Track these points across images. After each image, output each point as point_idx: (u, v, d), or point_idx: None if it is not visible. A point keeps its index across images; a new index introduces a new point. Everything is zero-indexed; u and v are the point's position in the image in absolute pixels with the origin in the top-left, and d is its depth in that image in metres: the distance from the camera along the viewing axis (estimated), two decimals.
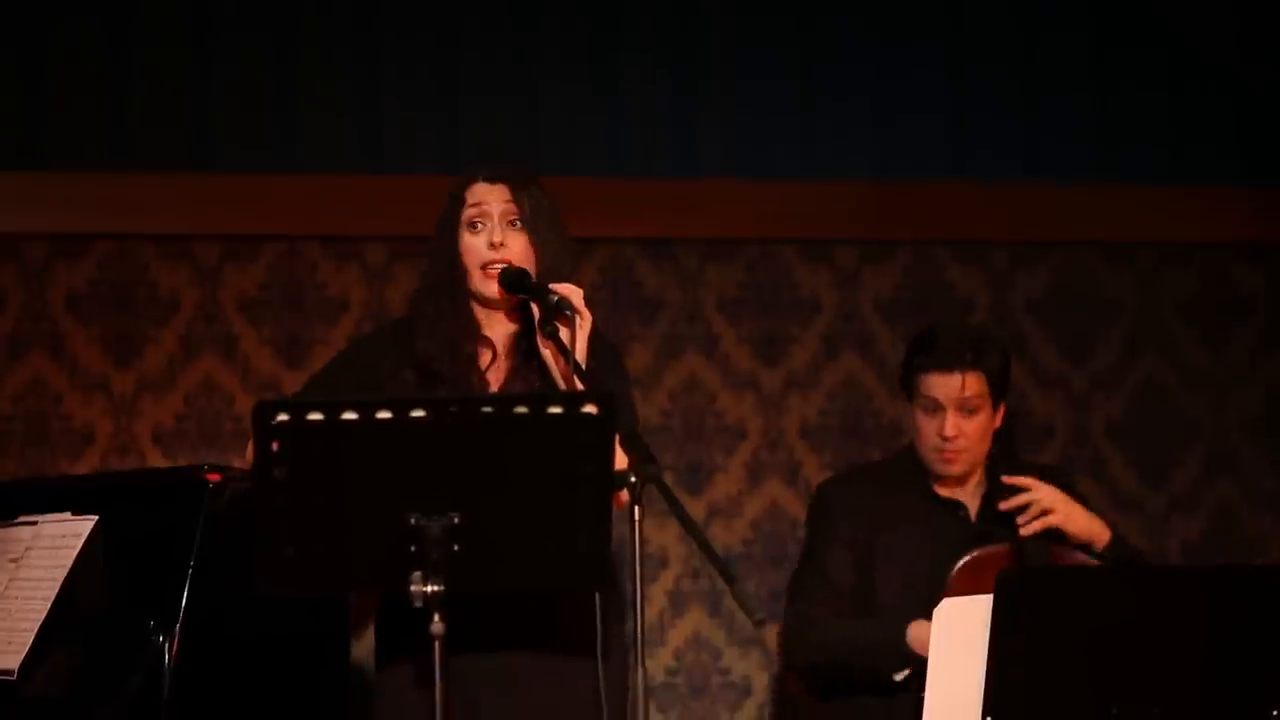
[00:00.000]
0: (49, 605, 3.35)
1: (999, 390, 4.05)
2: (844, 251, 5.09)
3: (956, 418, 3.99)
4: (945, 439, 4.00)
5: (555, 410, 2.92)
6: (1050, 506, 3.97)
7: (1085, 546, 4.00)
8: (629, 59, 4.98)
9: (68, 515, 3.48)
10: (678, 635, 4.95)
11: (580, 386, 3.26)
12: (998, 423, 4.08)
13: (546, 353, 3.38)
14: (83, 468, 4.70)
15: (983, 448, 4.06)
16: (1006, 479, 4.00)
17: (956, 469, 4.05)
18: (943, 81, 5.12)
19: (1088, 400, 5.20)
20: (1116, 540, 4.02)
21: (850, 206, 5.04)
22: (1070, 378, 5.19)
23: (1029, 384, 5.14)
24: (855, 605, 4.05)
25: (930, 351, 4.02)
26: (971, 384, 3.99)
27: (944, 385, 3.99)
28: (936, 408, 4.00)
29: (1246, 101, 5.26)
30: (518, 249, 3.47)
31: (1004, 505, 3.97)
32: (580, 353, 3.32)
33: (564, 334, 3.32)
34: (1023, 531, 3.95)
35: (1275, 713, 3.22)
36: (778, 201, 5.01)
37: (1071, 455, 5.14)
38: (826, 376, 5.06)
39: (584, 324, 3.34)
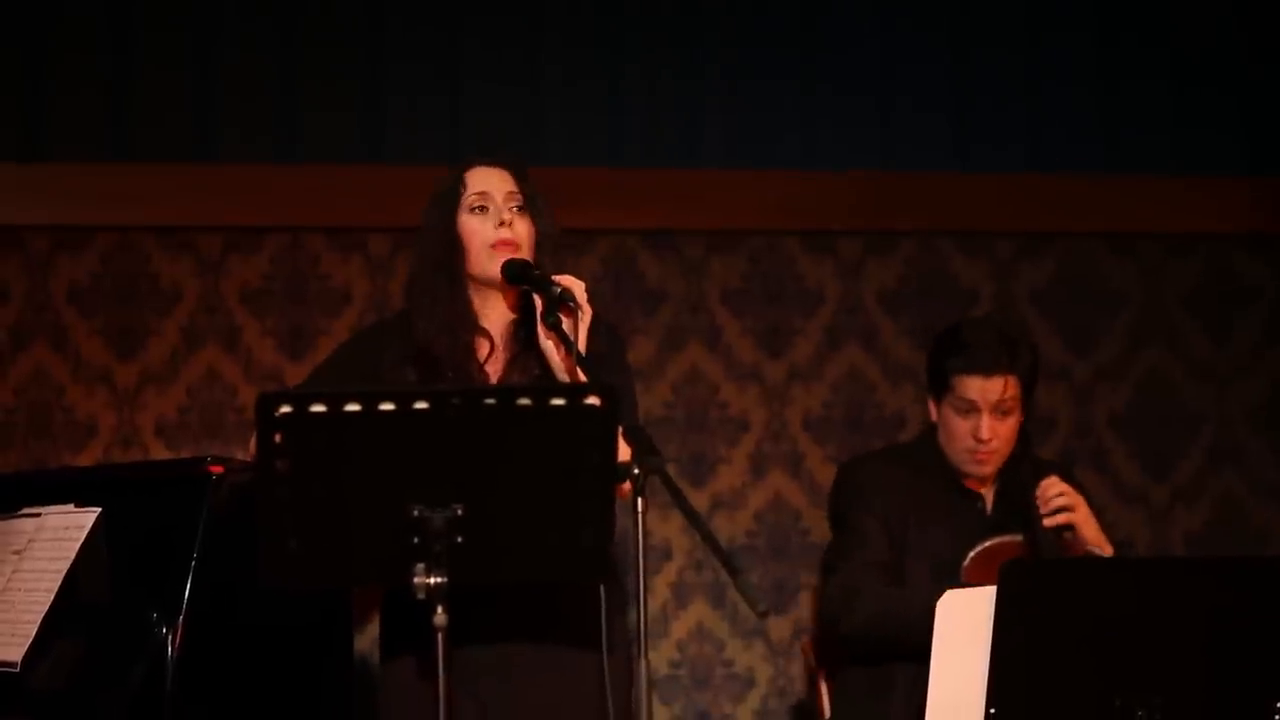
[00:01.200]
0: (52, 597, 3.35)
1: (1030, 390, 4.07)
2: (847, 243, 5.09)
3: (992, 420, 4.00)
4: (981, 441, 4.01)
5: (558, 402, 2.92)
6: (1075, 506, 3.98)
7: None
8: (632, 50, 4.97)
9: (71, 507, 3.48)
10: (681, 627, 4.95)
11: (583, 378, 3.26)
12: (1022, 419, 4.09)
13: (548, 344, 3.37)
14: (86, 460, 4.70)
15: (1009, 449, 4.07)
16: (1055, 484, 4.01)
17: (989, 470, 4.06)
18: (946, 72, 5.11)
19: (1091, 391, 5.20)
20: (1120, 553, 4.05)
21: (853, 198, 5.03)
22: (1074, 369, 5.19)
23: None
24: (890, 581, 4.04)
25: (967, 354, 4.02)
26: (1010, 387, 4.00)
27: (983, 389, 4.00)
28: (972, 410, 4.01)
29: (1250, 92, 5.25)
30: (523, 231, 3.49)
31: (1044, 495, 3.97)
32: (581, 346, 3.31)
33: (567, 325, 3.32)
34: (1046, 523, 3.95)
35: (1279, 704, 3.22)
36: (781, 192, 5.00)
37: (1074, 446, 5.14)
38: (830, 368, 5.06)
39: (584, 318, 3.34)
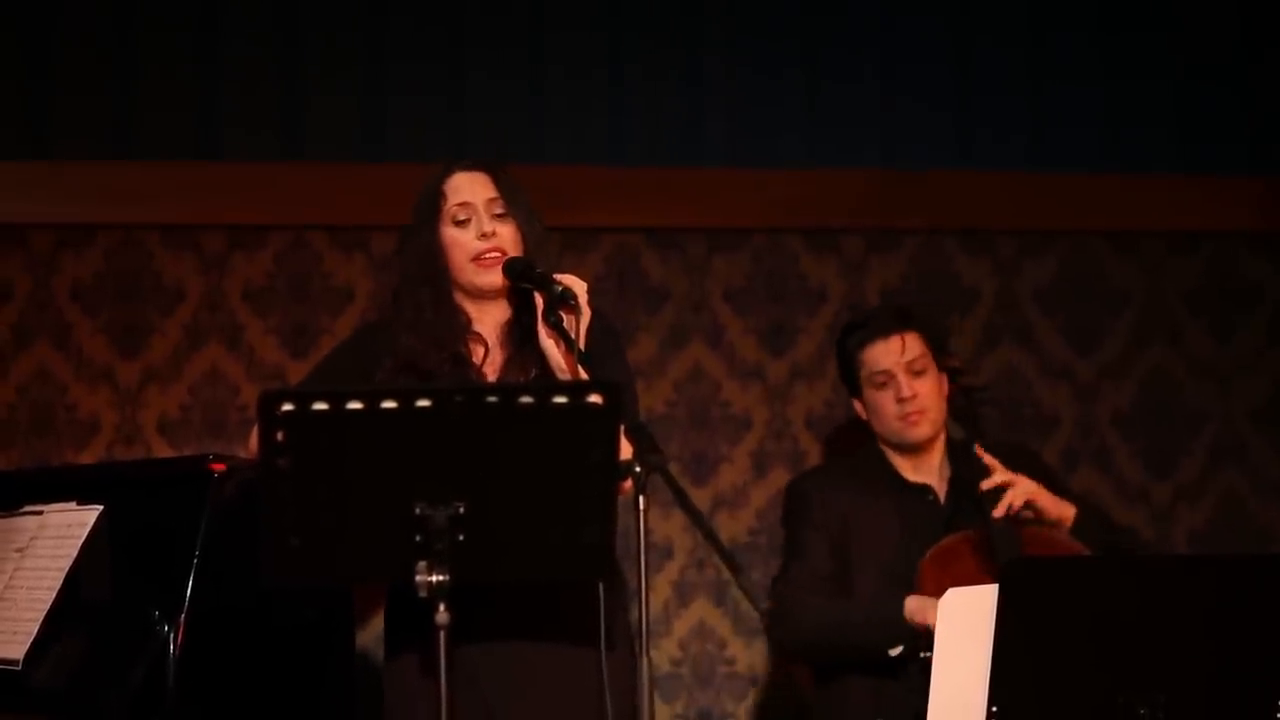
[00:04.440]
0: (54, 595, 3.36)
1: (939, 351, 4.16)
2: (850, 241, 5.08)
3: (908, 379, 4.09)
4: (903, 400, 4.10)
5: (560, 400, 2.92)
6: (1027, 494, 4.00)
7: (1055, 525, 4.04)
8: (635, 47, 4.97)
9: (73, 505, 3.49)
10: (683, 625, 4.94)
11: (584, 376, 3.26)
12: (945, 389, 4.16)
13: (549, 342, 3.37)
14: (88, 457, 4.70)
15: (940, 411, 4.14)
16: (981, 454, 4.05)
17: (923, 430, 4.12)
18: (949, 70, 5.11)
19: (1094, 390, 5.19)
20: (1084, 514, 4.07)
21: (857, 196, 5.03)
22: (1077, 367, 5.19)
23: (1035, 374, 5.14)
24: (833, 592, 4.09)
25: (862, 327, 4.16)
26: (911, 345, 4.11)
27: (886, 352, 4.11)
28: (887, 379, 4.11)
29: (1254, 90, 5.25)
30: (508, 236, 3.49)
31: (986, 486, 4.00)
32: (581, 345, 3.31)
33: (568, 323, 3.32)
34: (995, 513, 3.97)
35: None
36: (784, 190, 5.00)
37: (1077, 445, 5.14)
38: (832, 366, 5.02)
39: (585, 319, 3.34)
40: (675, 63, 4.99)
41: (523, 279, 3.43)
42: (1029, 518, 4.02)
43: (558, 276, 3.38)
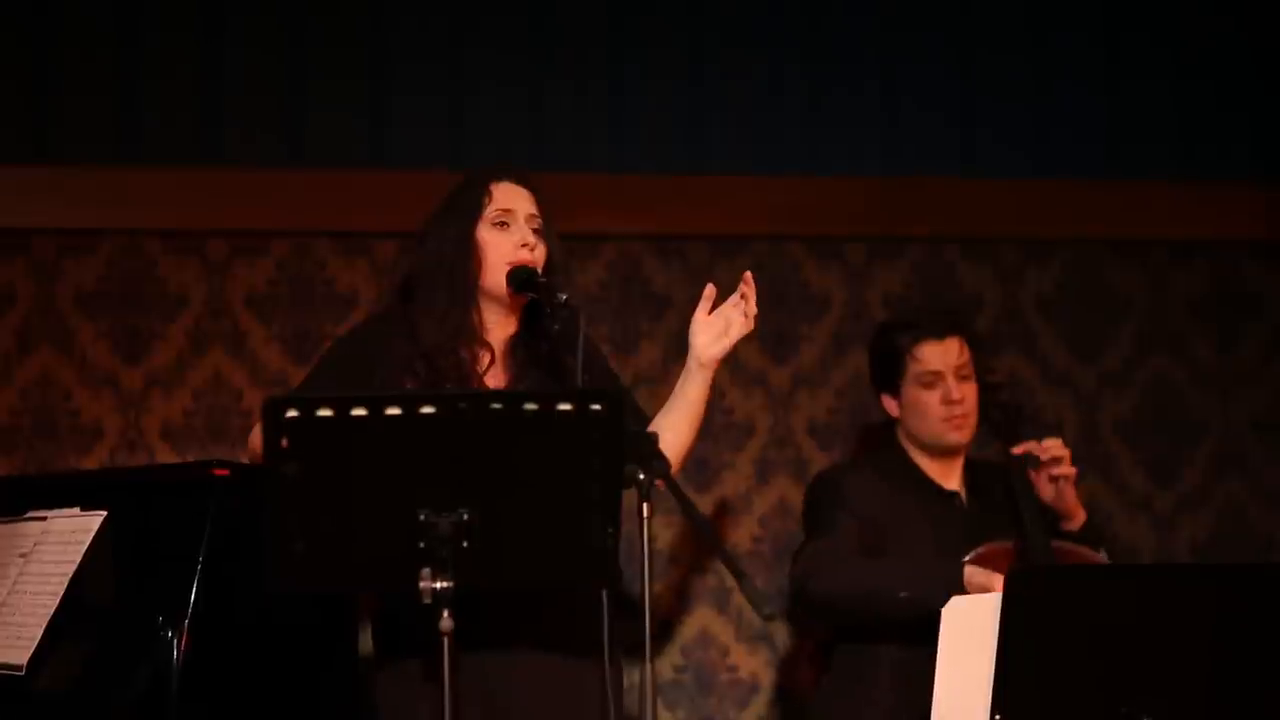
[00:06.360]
0: (58, 600, 3.36)
1: (980, 360, 4.18)
2: (853, 248, 5.09)
3: (956, 382, 4.11)
4: (950, 403, 4.10)
5: (565, 407, 2.92)
6: (1071, 474, 4.09)
7: (1062, 519, 4.10)
8: (637, 54, 4.98)
9: (76, 511, 3.48)
10: (686, 632, 4.94)
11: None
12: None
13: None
14: (91, 463, 4.70)
15: (976, 420, 4.16)
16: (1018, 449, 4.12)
17: (966, 434, 4.15)
18: (952, 77, 5.12)
19: (1097, 398, 5.19)
20: (1091, 523, 4.12)
21: (860, 203, 5.03)
22: (1079, 376, 5.19)
23: (1038, 381, 5.14)
24: None
25: (917, 325, 4.15)
26: (964, 350, 4.14)
27: (940, 353, 4.11)
28: (936, 379, 4.11)
29: (1257, 98, 5.25)
30: (541, 256, 3.53)
31: (1046, 447, 4.07)
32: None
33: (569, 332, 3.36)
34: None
35: None
36: (787, 198, 5.00)
37: (1080, 454, 5.11)
38: (835, 374, 5.06)
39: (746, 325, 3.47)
40: (677, 69, 5.00)
41: (526, 287, 3.46)
42: (1049, 498, 4.08)
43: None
